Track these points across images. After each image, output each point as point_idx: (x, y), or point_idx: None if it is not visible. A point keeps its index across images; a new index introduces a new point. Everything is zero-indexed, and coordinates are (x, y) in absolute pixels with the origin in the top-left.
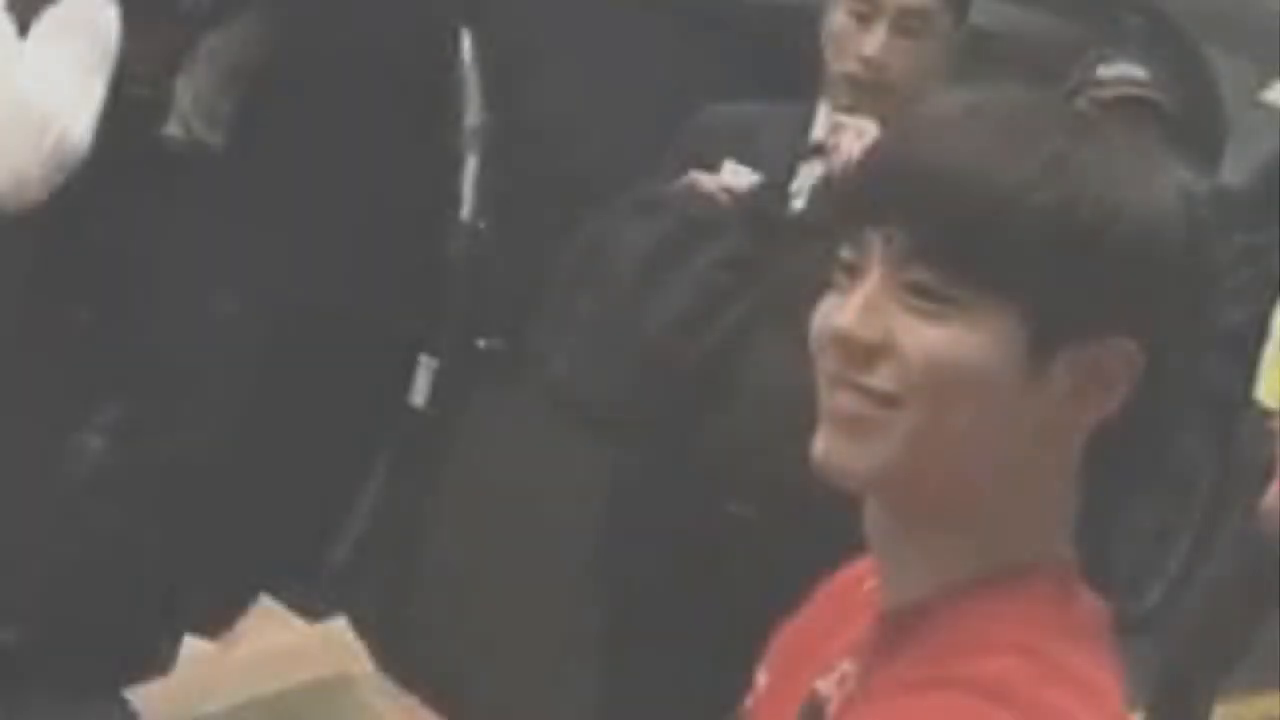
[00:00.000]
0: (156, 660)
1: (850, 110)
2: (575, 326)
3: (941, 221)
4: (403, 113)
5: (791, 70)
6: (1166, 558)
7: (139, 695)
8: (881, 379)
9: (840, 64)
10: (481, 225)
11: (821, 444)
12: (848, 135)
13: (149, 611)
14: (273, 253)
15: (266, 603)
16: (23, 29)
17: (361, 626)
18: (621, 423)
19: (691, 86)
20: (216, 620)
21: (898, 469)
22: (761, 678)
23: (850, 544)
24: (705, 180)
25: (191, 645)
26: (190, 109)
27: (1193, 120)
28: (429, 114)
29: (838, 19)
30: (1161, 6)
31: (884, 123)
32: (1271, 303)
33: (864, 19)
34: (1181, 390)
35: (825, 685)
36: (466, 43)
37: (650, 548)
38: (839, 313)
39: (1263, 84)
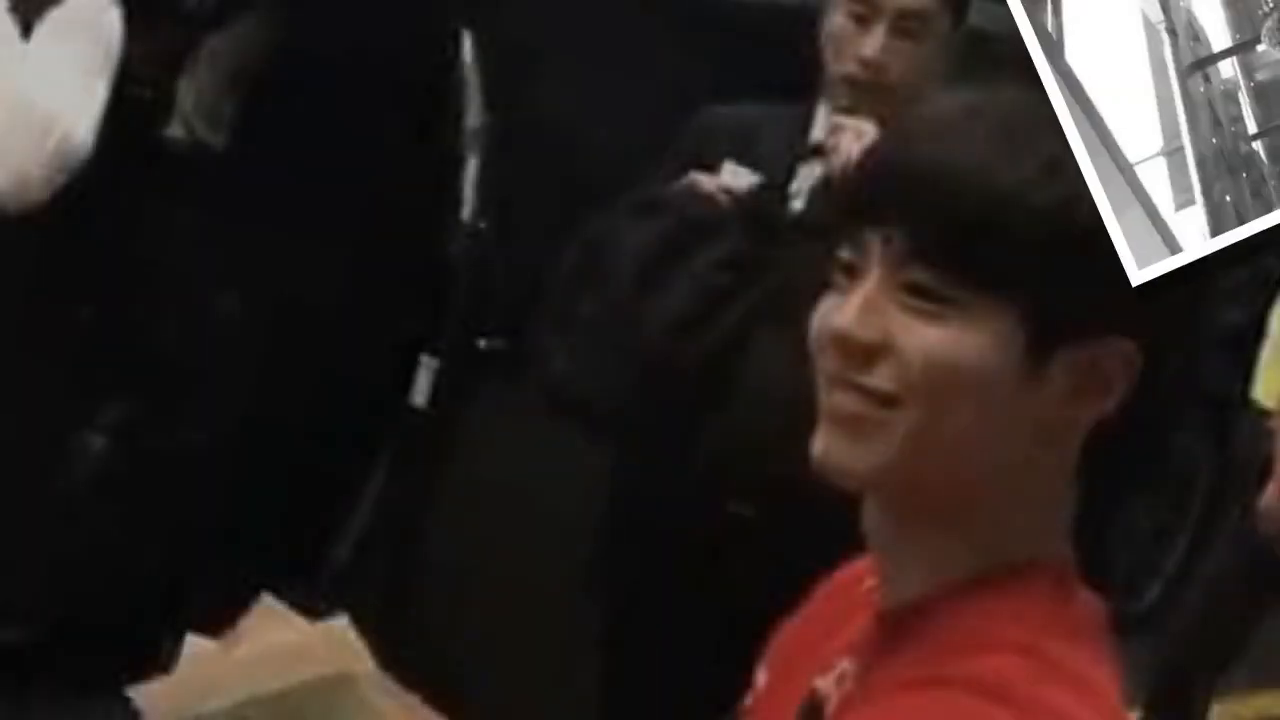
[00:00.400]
0: (158, 659)
1: (849, 111)
2: (575, 326)
3: (940, 222)
4: (403, 113)
5: (791, 71)
6: (1164, 557)
7: (141, 694)
8: (880, 379)
9: (839, 65)
10: (481, 225)
11: (821, 444)
12: (847, 136)
13: (151, 610)
14: (273, 253)
15: (268, 601)
16: (25, 30)
17: (363, 625)
18: (621, 423)
19: (691, 86)
20: (218, 619)
21: (897, 469)
22: (761, 677)
23: (850, 544)
24: (705, 181)
25: (193, 644)
26: (192, 110)
27: None
28: (429, 115)
29: (837, 20)
30: None
31: (883, 124)
32: (1269, 302)
33: (863, 20)
34: (1179, 390)
35: (824, 684)
36: (467, 43)
37: (650, 547)
38: (838, 313)
39: None
